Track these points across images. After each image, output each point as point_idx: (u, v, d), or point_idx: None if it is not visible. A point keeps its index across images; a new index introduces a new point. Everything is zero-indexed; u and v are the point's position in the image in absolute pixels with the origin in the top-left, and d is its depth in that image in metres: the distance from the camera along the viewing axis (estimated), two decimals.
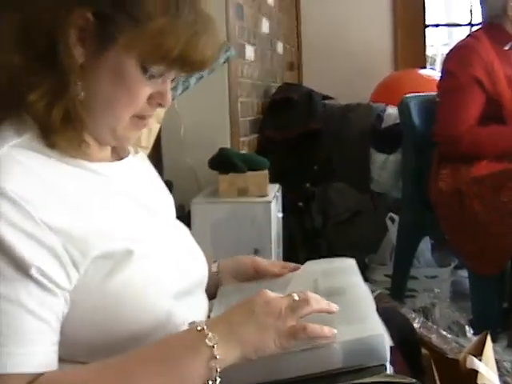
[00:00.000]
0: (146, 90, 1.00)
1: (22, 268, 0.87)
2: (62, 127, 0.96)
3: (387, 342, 0.95)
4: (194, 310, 1.09)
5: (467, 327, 2.26)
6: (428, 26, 5.02)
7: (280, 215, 2.89)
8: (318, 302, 0.97)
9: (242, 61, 3.31)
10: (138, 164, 1.20)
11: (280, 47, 4.30)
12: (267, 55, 3.90)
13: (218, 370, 0.89)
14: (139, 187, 1.12)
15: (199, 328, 0.91)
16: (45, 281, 0.88)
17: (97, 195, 1.00)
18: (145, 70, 0.97)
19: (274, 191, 2.79)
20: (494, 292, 2.62)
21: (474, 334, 2.01)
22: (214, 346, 0.89)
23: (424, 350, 1.36)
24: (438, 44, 5.96)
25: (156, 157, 2.75)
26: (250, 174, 2.59)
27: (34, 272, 0.87)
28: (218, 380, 0.89)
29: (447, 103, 2.62)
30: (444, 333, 1.99)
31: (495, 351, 2.02)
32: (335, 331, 0.94)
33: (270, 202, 2.61)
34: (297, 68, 4.96)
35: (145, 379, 0.88)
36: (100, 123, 1.01)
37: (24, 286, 0.87)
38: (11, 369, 0.84)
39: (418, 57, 4.88)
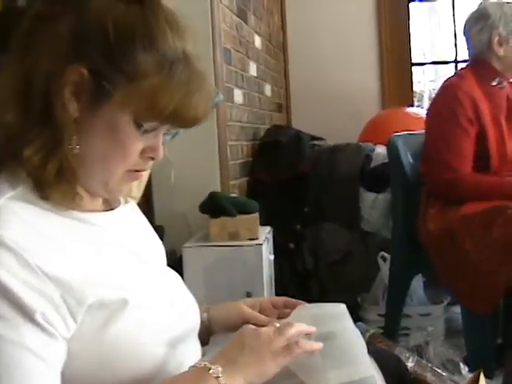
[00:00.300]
0: (138, 144, 1.01)
1: (27, 313, 0.88)
2: (56, 181, 0.97)
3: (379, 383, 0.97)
4: (188, 356, 1.10)
5: (461, 364, 2.26)
6: (414, 64, 5.07)
7: (271, 257, 2.89)
8: (300, 325, 1.05)
9: (231, 104, 3.35)
10: (129, 213, 1.21)
11: (268, 89, 4.34)
12: (255, 98, 3.93)
13: None
14: (130, 236, 1.13)
15: (201, 365, 0.97)
16: (48, 326, 0.90)
17: (91, 245, 1.01)
18: (138, 125, 0.99)
19: (265, 234, 2.79)
20: (487, 329, 2.59)
21: (469, 371, 2.00)
22: (219, 377, 0.95)
23: None
24: (425, 80, 6.04)
25: (147, 202, 2.76)
26: (240, 217, 2.60)
27: (38, 317, 0.88)
28: None
29: (440, 145, 2.61)
30: (439, 371, 1.99)
31: None
32: (321, 345, 1.03)
33: (261, 245, 2.61)
34: (285, 109, 5.00)
35: None
36: (93, 177, 1.02)
37: (30, 331, 0.88)
38: None
39: (405, 95, 4.91)
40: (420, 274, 3.19)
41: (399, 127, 3.21)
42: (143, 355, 0.99)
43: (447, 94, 2.68)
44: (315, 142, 3.82)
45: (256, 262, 2.59)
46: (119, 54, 0.95)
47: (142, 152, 1.03)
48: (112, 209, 1.14)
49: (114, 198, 1.16)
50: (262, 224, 2.79)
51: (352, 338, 1.12)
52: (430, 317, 3.13)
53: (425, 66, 5.80)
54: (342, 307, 1.26)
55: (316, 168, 3.51)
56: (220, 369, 0.96)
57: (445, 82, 2.77)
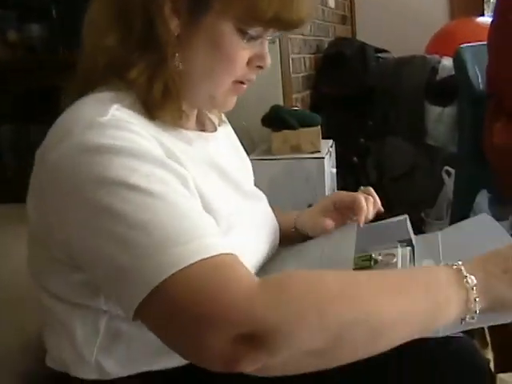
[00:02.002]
0: (244, 53, 1.00)
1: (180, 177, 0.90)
2: (163, 101, 0.97)
3: None
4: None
5: None
6: None
7: (334, 171, 2.89)
8: None
9: None
10: (225, 135, 1.22)
11: (331, 1, 4.23)
12: (318, 9, 3.84)
13: (477, 311, 0.86)
14: (227, 159, 1.13)
15: (456, 267, 0.88)
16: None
17: (199, 165, 1.02)
18: (242, 32, 0.97)
19: (328, 147, 2.78)
20: None
21: None
22: (473, 289, 0.86)
23: None
24: None
25: None
26: (302, 130, 2.59)
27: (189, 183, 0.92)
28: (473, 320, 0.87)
29: (507, 56, 2.47)
30: None
31: None
32: None
33: (323, 158, 2.61)
34: (350, 21, 4.89)
35: (415, 294, 0.84)
36: (199, 92, 1.02)
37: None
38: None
39: (475, 3, 4.75)
40: (485, 190, 3.15)
41: (468, 38, 3.09)
42: None
43: (503, 5, 2.49)
44: (380, 55, 3.74)
45: (318, 175, 2.59)
46: None
47: (249, 61, 1.01)
48: (203, 130, 1.14)
49: (222, 110, 1.18)
50: (325, 137, 2.78)
51: None
52: None
53: None
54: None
55: (381, 81, 3.46)
56: (475, 282, 0.86)
57: None
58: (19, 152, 3.17)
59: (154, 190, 0.83)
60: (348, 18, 4.86)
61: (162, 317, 0.81)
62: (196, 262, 0.78)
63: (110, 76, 0.99)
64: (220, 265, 0.80)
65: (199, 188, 0.96)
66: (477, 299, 0.85)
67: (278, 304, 0.77)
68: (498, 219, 3.22)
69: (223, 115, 1.25)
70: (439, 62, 3.40)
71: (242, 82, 1.04)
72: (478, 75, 2.80)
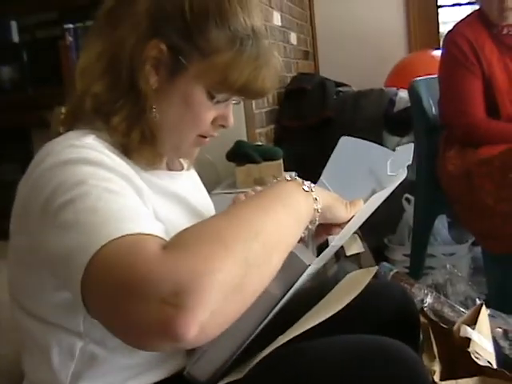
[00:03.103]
0: (210, 114, 1.11)
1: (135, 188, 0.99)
2: (140, 146, 1.08)
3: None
4: None
5: (478, 301, 2.33)
6: (440, 6, 5.04)
7: None
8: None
9: None
10: (190, 177, 1.33)
11: (293, 38, 4.35)
12: (280, 47, 3.96)
13: (319, 211, 1.03)
14: (192, 195, 1.23)
15: (292, 178, 1.02)
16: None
17: (165, 196, 1.12)
18: (211, 96, 1.08)
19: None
20: (508, 268, 2.57)
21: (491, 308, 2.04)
22: (312, 191, 1.02)
23: (423, 319, 1.46)
24: (452, 21, 5.94)
25: None
26: (265, 164, 2.67)
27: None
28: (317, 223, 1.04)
29: (451, 92, 2.63)
30: (457, 307, 2.08)
31: (508, 322, 2.10)
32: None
33: None
34: (312, 57, 5.01)
35: (275, 208, 0.94)
36: (168, 141, 1.12)
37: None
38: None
39: (431, 37, 4.90)
40: (444, 215, 3.24)
41: (425, 70, 3.19)
42: None
43: (448, 40, 2.67)
44: (340, 89, 3.85)
45: None
46: (194, 32, 1.04)
47: (214, 120, 1.12)
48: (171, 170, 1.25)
49: (185, 160, 1.29)
50: (287, 170, 2.86)
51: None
52: (455, 256, 3.16)
53: (451, 8, 5.71)
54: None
55: (341, 114, 3.55)
56: (312, 185, 1.02)
57: (451, 28, 2.72)
58: None
59: (110, 188, 0.92)
60: (311, 53, 4.97)
61: (97, 299, 0.84)
62: (114, 240, 0.83)
63: (95, 119, 1.09)
64: (136, 240, 0.83)
65: (157, 212, 1.05)
66: (317, 198, 1.01)
67: (184, 256, 0.80)
68: (458, 242, 3.28)
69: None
70: (396, 94, 3.52)
71: (204, 137, 1.15)
72: (431, 106, 2.88)
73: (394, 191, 1.16)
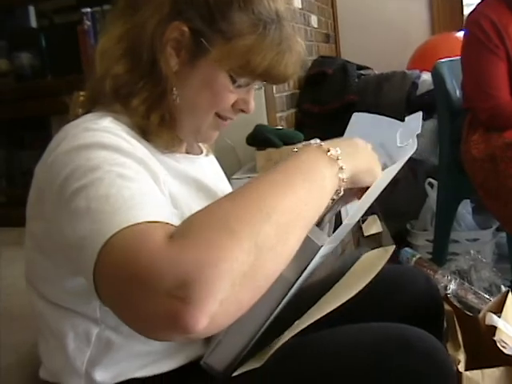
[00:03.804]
0: (231, 96, 1.10)
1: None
2: (159, 129, 1.07)
3: None
4: None
5: (503, 287, 2.30)
6: None
7: None
8: None
9: None
10: (209, 163, 1.32)
11: (314, 21, 4.30)
12: (301, 30, 3.91)
13: (345, 181, 0.95)
14: (211, 179, 1.22)
15: (317, 144, 0.95)
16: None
17: (183, 179, 1.11)
18: (233, 80, 1.07)
19: None
20: None
21: None
22: (338, 159, 0.93)
23: (447, 307, 1.43)
24: (476, 3, 5.84)
25: None
26: (285, 148, 2.64)
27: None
28: (342, 192, 0.95)
29: (475, 74, 2.58)
30: (481, 293, 2.04)
31: None
32: None
33: None
34: (334, 40, 4.96)
35: (295, 182, 0.87)
36: (186, 124, 1.12)
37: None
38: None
39: (455, 19, 4.82)
40: (468, 200, 3.20)
41: (449, 53, 3.14)
42: None
43: (470, 21, 2.62)
44: (362, 72, 3.80)
45: None
46: (217, 14, 1.03)
47: (234, 104, 1.11)
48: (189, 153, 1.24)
49: (204, 143, 1.28)
50: None
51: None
52: (479, 242, 3.13)
53: None
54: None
55: (362, 97, 3.50)
56: (340, 151, 0.94)
57: (473, 9, 2.68)
58: (11, 178, 3.23)
59: (124, 174, 0.89)
60: (332, 36, 4.92)
61: (106, 290, 0.82)
62: (122, 230, 0.80)
63: (114, 101, 1.08)
64: (143, 230, 0.81)
65: (174, 197, 1.03)
66: (343, 167, 0.93)
67: (188, 246, 0.77)
68: (482, 228, 3.25)
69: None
70: (419, 77, 3.46)
71: (223, 118, 1.13)
72: (455, 89, 2.86)
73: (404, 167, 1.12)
